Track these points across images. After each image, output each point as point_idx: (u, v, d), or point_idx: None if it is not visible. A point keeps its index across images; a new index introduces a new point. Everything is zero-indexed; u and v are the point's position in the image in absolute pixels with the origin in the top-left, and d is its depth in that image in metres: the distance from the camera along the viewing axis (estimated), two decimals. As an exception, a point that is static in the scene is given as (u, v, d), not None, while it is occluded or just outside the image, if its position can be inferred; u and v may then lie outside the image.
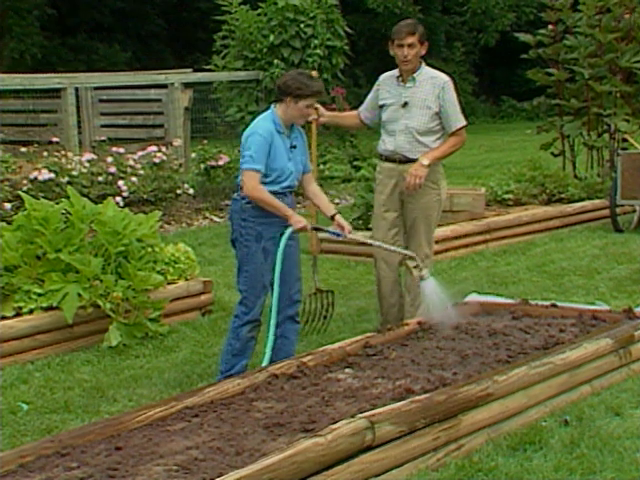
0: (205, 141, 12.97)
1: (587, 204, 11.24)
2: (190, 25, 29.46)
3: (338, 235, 5.84)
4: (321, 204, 5.85)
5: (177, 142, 13.34)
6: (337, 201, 13.29)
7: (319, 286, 6.50)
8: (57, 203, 6.99)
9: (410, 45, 6.19)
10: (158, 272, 7.03)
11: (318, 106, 6.39)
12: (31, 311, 6.43)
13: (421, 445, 4.36)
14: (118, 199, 10.41)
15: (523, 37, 13.34)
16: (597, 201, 11.34)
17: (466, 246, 9.65)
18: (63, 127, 12.91)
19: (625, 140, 12.06)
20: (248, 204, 5.52)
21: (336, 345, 5.69)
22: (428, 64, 6.45)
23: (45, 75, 14.93)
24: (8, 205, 9.87)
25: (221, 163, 12.25)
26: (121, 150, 11.84)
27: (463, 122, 6.37)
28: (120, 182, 11.03)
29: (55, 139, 12.41)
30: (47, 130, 14.43)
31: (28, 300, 6.45)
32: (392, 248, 6.21)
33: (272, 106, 5.67)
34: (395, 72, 6.39)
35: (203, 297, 7.40)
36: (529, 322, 6.26)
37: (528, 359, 5.19)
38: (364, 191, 9.56)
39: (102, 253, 6.73)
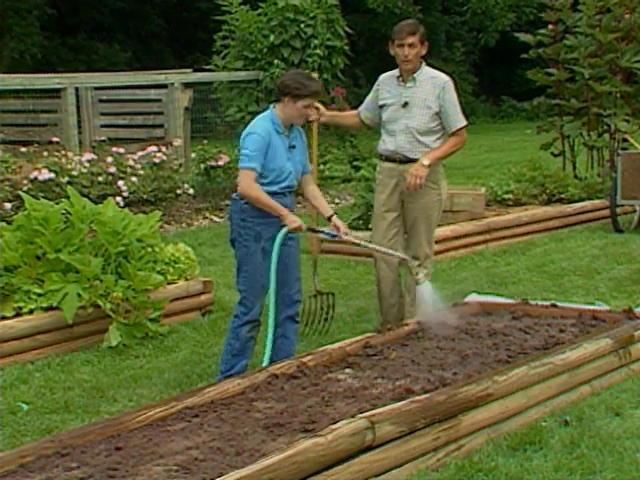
0: (205, 141, 12.97)
1: (587, 204, 11.24)
2: (190, 25, 29.46)
3: (334, 236, 5.84)
4: (319, 205, 5.85)
5: (177, 142, 13.34)
6: (337, 201, 13.30)
7: (319, 288, 6.51)
8: (57, 203, 6.99)
9: (411, 45, 6.19)
10: (158, 272, 7.03)
11: (319, 106, 6.39)
12: (31, 311, 6.43)
13: (421, 445, 4.36)
14: (118, 199, 10.41)
15: (523, 37, 13.34)
16: (597, 201, 11.34)
17: (466, 246, 9.65)
18: (63, 127, 12.91)
19: (625, 140, 12.06)
20: (247, 204, 5.52)
21: (336, 345, 5.69)
22: (428, 64, 6.45)
23: (45, 75, 14.93)
24: (8, 205, 9.87)
25: (221, 163, 12.25)
26: (121, 150, 11.84)
27: (463, 122, 6.37)
28: (120, 182, 11.04)
29: (55, 139, 12.41)
30: (47, 130, 14.43)
31: (28, 300, 6.45)
32: (387, 250, 6.22)
33: (271, 106, 5.67)
34: (395, 72, 6.39)
35: (203, 297, 7.40)
36: (529, 322, 6.26)
37: (528, 359, 5.19)
38: (364, 191, 9.56)
39: (102, 253, 6.73)
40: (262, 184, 5.49)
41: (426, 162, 6.18)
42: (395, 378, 5.17)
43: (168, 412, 4.68)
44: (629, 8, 12.58)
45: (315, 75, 6.05)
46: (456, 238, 9.57)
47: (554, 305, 6.60)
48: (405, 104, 6.31)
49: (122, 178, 11.14)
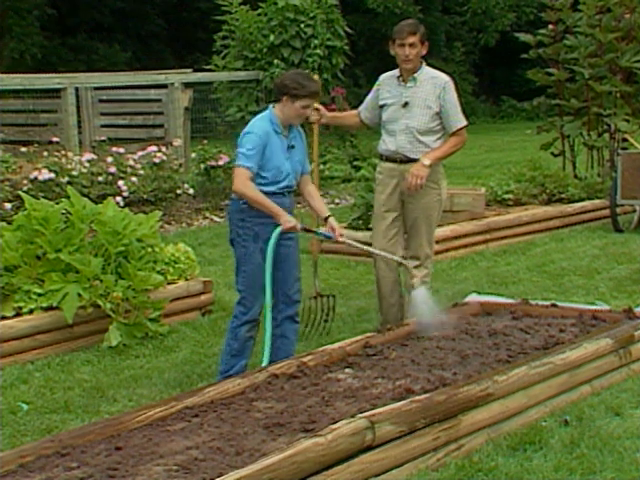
0: (205, 141, 12.97)
1: (587, 204, 11.24)
2: (190, 25, 29.46)
3: (329, 237, 5.84)
4: (316, 205, 5.84)
5: (177, 142, 13.35)
6: (337, 201, 13.30)
7: (319, 290, 6.50)
8: (57, 203, 6.99)
9: (411, 45, 6.19)
10: (158, 272, 7.03)
11: (320, 107, 6.39)
12: (31, 311, 6.43)
13: (421, 445, 4.36)
14: (118, 199, 10.40)
15: (523, 37, 13.34)
16: (597, 201, 11.34)
17: (466, 246, 9.64)
18: (63, 127, 12.92)
19: (625, 140, 12.06)
20: (246, 204, 5.51)
21: (336, 345, 5.69)
22: (428, 64, 6.45)
23: (45, 75, 14.93)
24: (8, 205, 9.87)
25: (221, 163, 12.25)
26: (121, 150, 11.85)
27: (464, 122, 6.37)
28: (120, 182, 11.04)
29: (55, 139, 12.42)
30: (47, 130, 14.44)
31: (28, 300, 6.45)
32: (380, 253, 6.22)
33: (270, 106, 5.67)
34: (395, 72, 6.39)
35: (203, 297, 7.40)
36: (529, 322, 6.26)
37: (528, 359, 5.19)
38: (364, 191, 9.56)
39: (102, 253, 6.73)
40: (260, 184, 5.49)
41: (427, 162, 6.18)
42: (395, 378, 5.17)
43: (168, 412, 4.68)
44: (629, 8, 12.57)
45: (316, 77, 6.05)
46: (456, 238, 9.57)
47: (554, 305, 6.60)
48: (405, 104, 6.30)
49: (122, 178, 11.14)
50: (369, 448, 4.12)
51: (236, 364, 5.63)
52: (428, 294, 6.01)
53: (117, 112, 16.19)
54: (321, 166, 13.44)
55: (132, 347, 6.52)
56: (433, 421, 4.41)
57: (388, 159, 6.41)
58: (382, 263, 6.42)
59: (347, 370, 5.37)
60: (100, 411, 5.37)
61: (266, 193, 5.49)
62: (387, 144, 6.40)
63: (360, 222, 9.42)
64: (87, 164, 11.15)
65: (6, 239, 6.60)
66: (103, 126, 15.85)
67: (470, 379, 4.91)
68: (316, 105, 6.33)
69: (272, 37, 13.95)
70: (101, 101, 16.08)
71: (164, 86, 14.39)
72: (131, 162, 11.58)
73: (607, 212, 10.83)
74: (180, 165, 12.24)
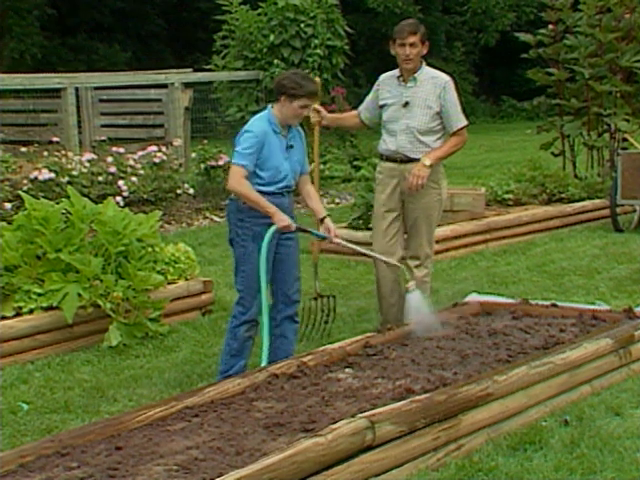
0: (205, 141, 12.96)
1: (587, 204, 11.24)
2: (190, 25, 29.46)
3: (324, 238, 5.84)
4: (314, 206, 5.83)
5: (177, 142, 13.35)
6: (337, 201, 13.30)
7: (319, 291, 6.50)
8: (57, 203, 6.99)
9: (412, 44, 6.19)
10: (158, 272, 7.03)
11: (320, 109, 6.39)
12: (31, 311, 6.43)
13: (421, 445, 4.36)
14: (118, 199, 10.40)
15: (523, 37, 13.34)
16: (597, 201, 11.34)
17: (466, 246, 9.64)
18: (63, 127, 12.92)
19: (625, 140, 12.06)
20: (245, 204, 5.51)
21: (336, 345, 5.69)
22: (428, 64, 6.45)
23: (45, 75, 14.93)
24: (8, 205, 9.87)
25: (221, 163, 12.24)
26: (121, 150, 11.85)
27: (464, 122, 6.37)
28: (120, 182, 11.04)
29: (55, 139, 12.41)
30: (47, 130, 14.44)
31: (28, 300, 6.45)
32: (377, 255, 6.21)
33: (269, 106, 5.67)
34: (396, 72, 6.39)
35: (203, 297, 7.40)
36: (529, 322, 6.26)
37: (528, 359, 5.19)
38: (364, 191, 9.56)
39: (102, 253, 6.73)
40: (259, 184, 5.49)
41: (427, 162, 6.18)
42: (395, 378, 5.17)
43: (168, 412, 4.68)
44: (629, 8, 12.57)
45: (317, 79, 6.04)
46: (456, 238, 9.57)
47: (554, 305, 6.60)
48: (406, 104, 6.30)
49: (122, 178, 11.14)
50: (369, 448, 4.12)
51: (235, 364, 5.63)
52: (422, 298, 5.99)
53: (117, 112, 16.20)
54: (321, 166, 13.44)
55: (132, 347, 6.52)
56: (433, 421, 4.41)
57: (388, 159, 6.41)
58: (382, 263, 6.42)
59: (347, 370, 5.37)
60: (100, 411, 5.37)
61: (265, 193, 5.49)
62: (387, 144, 6.40)
63: (360, 222, 9.42)
64: (87, 164, 11.15)
65: (6, 239, 6.60)
66: (103, 126, 15.86)
67: (470, 379, 4.91)
68: (316, 106, 6.33)
69: (272, 37, 13.95)
70: (101, 101, 16.09)
71: (164, 86, 14.39)
72: (131, 162, 11.58)
73: (607, 212, 10.82)
74: (180, 165, 12.24)
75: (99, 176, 11.01)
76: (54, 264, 6.55)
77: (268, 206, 5.44)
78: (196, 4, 28.68)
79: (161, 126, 14.98)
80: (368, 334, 5.95)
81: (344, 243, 5.93)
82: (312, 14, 14.04)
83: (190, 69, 16.51)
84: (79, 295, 6.44)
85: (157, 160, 11.71)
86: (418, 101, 6.27)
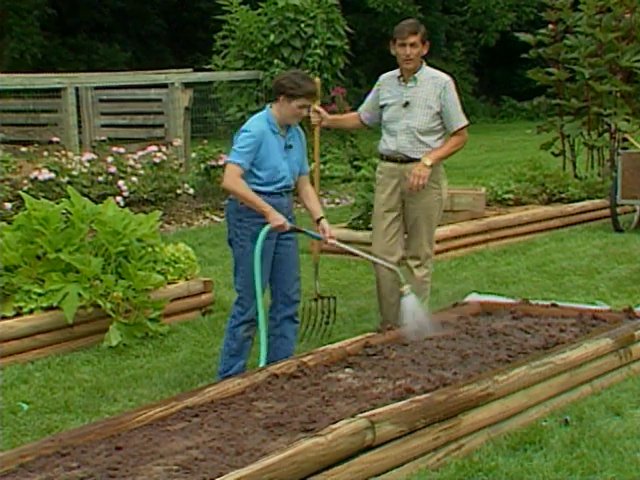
0: (205, 141, 12.97)
1: (587, 204, 11.24)
2: (190, 25, 29.47)
3: (319, 238, 5.83)
4: (311, 206, 5.82)
5: (177, 142, 13.35)
6: (337, 201, 13.30)
7: (320, 292, 6.49)
8: (57, 203, 6.99)
9: (412, 44, 6.19)
10: (158, 272, 7.03)
11: (320, 110, 6.38)
12: (31, 311, 6.43)
13: (421, 445, 4.36)
14: (118, 199, 10.40)
15: (523, 37, 13.34)
16: (597, 201, 11.34)
17: (466, 246, 9.64)
18: (63, 127, 12.92)
19: (625, 140, 12.05)
20: (243, 204, 5.51)
21: (336, 345, 5.69)
22: (428, 64, 6.45)
23: (45, 75, 14.93)
24: (8, 205, 9.87)
25: (221, 163, 12.22)
26: (121, 150, 11.85)
27: (465, 122, 6.37)
28: (120, 182, 11.04)
29: (55, 139, 12.42)
30: (47, 130, 14.44)
31: (28, 300, 6.45)
32: (372, 258, 6.21)
33: (268, 106, 5.66)
34: (396, 72, 6.38)
35: (203, 297, 7.40)
36: (529, 322, 6.26)
37: (528, 359, 5.19)
38: (364, 191, 9.56)
39: (102, 253, 6.73)
40: (257, 184, 5.48)
41: (428, 162, 6.18)
42: (395, 378, 5.17)
43: (168, 412, 4.68)
44: (629, 8, 12.57)
45: (317, 80, 6.04)
46: (456, 238, 9.57)
47: (554, 305, 6.60)
48: (406, 104, 6.30)
49: (122, 178, 11.14)
50: (369, 448, 4.12)
51: (235, 364, 5.63)
52: (417, 302, 5.98)
53: (117, 112, 16.20)
54: (321, 166, 13.45)
55: (132, 347, 6.52)
56: (433, 421, 4.41)
57: (389, 159, 6.41)
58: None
59: (347, 370, 5.36)
60: (100, 411, 5.36)
61: (263, 193, 5.48)
62: (388, 144, 6.40)
63: (360, 222, 9.42)
64: (87, 164, 11.15)
65: (6, 239, 6.60)
66: (103, 126, 15.86)
67: (470, 379, 4.91)
68: (317, 107, 6.32)
69: (272, 37, 13.95)
70: (101, 101, 16.09)
71: (164, 86, 14.39)
72: (131, 162, 11.58)
73: (607, 212, 10.83)
74: (180, 165, 12.24)
75: (99, 176, 11.01)
76: (54, 264, 6.55)
77: (263, 205, 5.44)
78: (196, 4, 28.68)
79: (161, 126, 14.98)
80: (368, 334, 5.95)
81: (338, 244, 5.91)
82: (312, 14, 14.05)
83: (190, 69, 16.51)
84: (79, 295, 6.43)
85: (157, 160, 11.71)
86: (418, 101, 6.27)
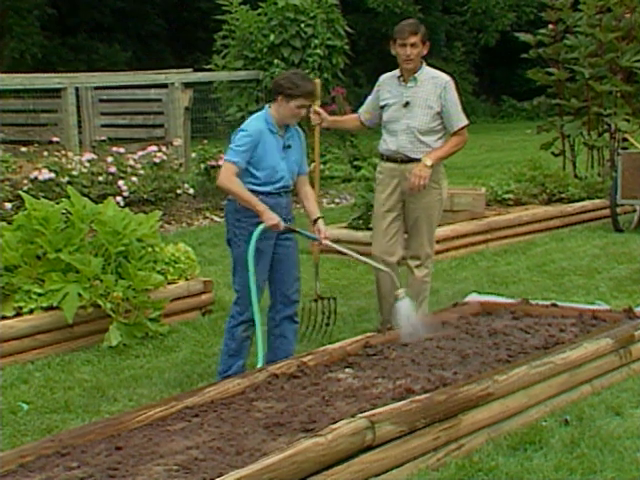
0: (205, 141, 12.96)
1: (587, 204, 11.25)
2: (190, 25, 29.47)
3: (314, 239, 5.83)
4: (309, 207, 5.80)
5: (177, 142, 13.35)
6: (337, 201, 13.30)
7: (320, 293, 6.49)
8: (57, 203, 6.99)
9: (413, 44, 6.19)
10: (158, 272, 7.03)
11: (321, 111, 6.38)
12: (31, 311, 6.43)
13: (421, 445, 4.36)
14: (118, 199, 10.40)
15: (523, 37, 13.34)
16: (597, 201, 11.34)
17: (466, 246, 9.64)
18: (63, 127, 12.92)
19: (625, 140, 12.05)
20: (241, 204, 5.51)
21: (336, 345, 5.69)
22: (428, 64, 6.45)
23: (45, 75, 14.94)
24: (8, 205, 9.87)
25: (221, 163, 12.22)
26: (121, 150, 11.85)
27: (465, 122, 6.37)
28: (120, 182, 11.04)
29: (55, 139, 12.42)
30: (47, 130, 14.44)
31: (28, 300, 6.45)
32: (364, 259, 6.19)
33: (266, 106, 5.66)
34: (396, 72, 6.38)
35: (203, 297, 7.40)
36: (529, 322, 6.26)
37: (528, 359, 5.19)
38: (364, 191, 9.56)
39: (102, 253, 6.73)
40: (255, 184, 5.48)
41: (429, 162, 6.18)
42: (395, 378, 5.17)
43: (168, 412, 4.68)
44: (629, 7, 12.57)
45: (317, 80, 6.03)
46: (456, 238, 9.57)
47: (554, 305, 6.60)
48: (406, 104, 6.30)
49: (122, 178, 11.14)
50: (369, 448, 4.12)
51: (234, 364, 5.63)
52: (411, 306, 5.96)
53: (117, 112, 16.20)
54: (321, 166, 13.44)
55: (132, 347, 6.52)
56: (433, 421, 4.41)
57: (389, 159, 6.41)
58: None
59: (347, 370, 5.36)
60: (100, 411, 5.36)
61: (261, 193, 5.48)
62: (388, 144, 6.40)
63: (360, 222, 9.42)
64: (87, 164, 11.15)
65: (6, 239, 6.60)
66: (103, 126, 15.87)
67: (470, 379, 4.91)
68: (317, 108, 6.32)
69: (272, 37, 13.95)
70: (101, 101, 16.09)
71: (164, 86, 14.39)
72: (131, 162, 11.58)
73: (607, 212, 10.83)
74: (180, 165, 12.24)
75: (99, 176, 11.01)
76: (54, 264, 6.55)
77: (257, 204, 5.43)
78: (196, 4, 28.68)
79: (161, 126, 14.98)
80: (368, 334, 5.95)
81: (333, 245, 5.90)
82: (312, 14, 14.04)
83: (190, 69, 16.51)
84: (79, 295, 6.44)
85: (157, 160, 11.71)
86: (419, 101, 6.27)
